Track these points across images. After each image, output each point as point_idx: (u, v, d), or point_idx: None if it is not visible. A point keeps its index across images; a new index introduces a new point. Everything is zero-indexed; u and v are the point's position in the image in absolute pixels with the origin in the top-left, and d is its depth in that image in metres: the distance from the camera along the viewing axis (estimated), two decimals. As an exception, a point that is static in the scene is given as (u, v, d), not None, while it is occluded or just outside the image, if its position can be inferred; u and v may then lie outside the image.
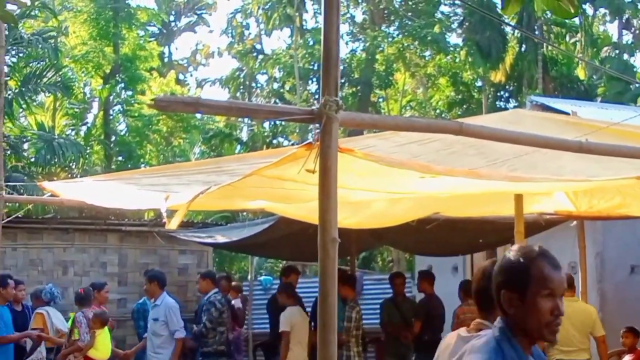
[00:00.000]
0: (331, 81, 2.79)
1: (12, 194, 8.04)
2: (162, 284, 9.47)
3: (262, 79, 36.56)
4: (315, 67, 32.37)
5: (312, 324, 9.48)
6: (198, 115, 27.22)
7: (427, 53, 30.48)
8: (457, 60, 29.66)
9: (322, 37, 2.86)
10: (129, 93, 27.47)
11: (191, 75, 41.88)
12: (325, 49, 2.83)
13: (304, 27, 32.80)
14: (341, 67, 24.34)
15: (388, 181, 4.61)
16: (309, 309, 10.21)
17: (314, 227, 6.87)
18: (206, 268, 13.90)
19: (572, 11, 3.15)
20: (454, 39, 31.39)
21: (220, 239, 11.62)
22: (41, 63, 20.72)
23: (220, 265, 20.44)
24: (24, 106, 20.70)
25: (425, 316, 9.83)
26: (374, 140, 5.55)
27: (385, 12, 32.65)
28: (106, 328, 9.08)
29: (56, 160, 19.71)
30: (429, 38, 27.83)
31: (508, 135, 3.68)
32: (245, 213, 19.42)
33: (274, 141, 29.99)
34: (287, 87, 33.44)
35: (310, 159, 3.02)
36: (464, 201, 6.51)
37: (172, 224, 4.26)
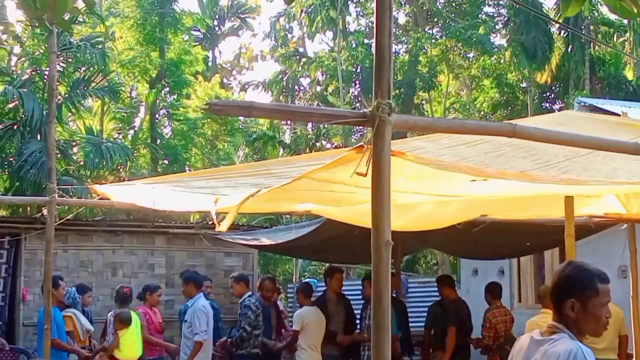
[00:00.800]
0: (384, 84, 2.80)
1: (63, 197, 8.19)
2: (198, 285, 9.53)
3: (304, 81, 36.76)
4: (358, 70, 32.43)
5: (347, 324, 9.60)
6: (241, 118, 27.43)
7: (471, 54, 30.30)
8: (502, 61, 29.39)
9: (374, 40, 2.88)
10: (175, 97, 27.78)
11: (234, 79, 42.21)
12: (377, 52, 2.85)
13: (347, 30, 32.83)
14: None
15: (437, 184, 4.60)
16: (357, 310, 10.27)
17: (359, 229, 6.93)
18: (251, 270, 14.02)
19: (635, 11, 3.12)
20: (498, 40, 31.18)
21: (266, 241, 11.69)
22: (89, 68, 21.11)
23: (264, 267, 20.55)
24: (73, 111, 21.10)
25: (457, 321, 9.83)
26: (421, 142, 5.54)
27: (429, 13, 32.56)
28: (132, 328, 9.13)
29: (104, 163, 20.04)
30: (473, 39, 27.66)
31: (563, 138, 3.65)
32: (288, 216, 19.50)
33: (317, 144, 30.04)
34: (330, 89, 33.52)
35: (361, 162, 3.04)
36: (511, 203, 6.44)
37: (223, 226, 4.29)
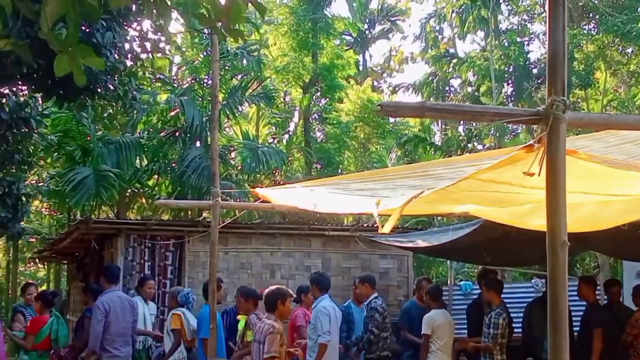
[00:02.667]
0: (558, 81, 2.72)
1: (226, 200, 8.46)
2: (321, 286, 9.54)
3: (455, 83, 36.32)
4: (511, 69, 31.66)
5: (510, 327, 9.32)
6: (392, 120, 27.44)
7: (630, 49, 28.84)
8: (664, 55, 27.83)
9: (547, 37, 2.79)
10: (327, 101, 28.19)
11: (384, 82, 42.30)
12: (551, 48, 2.76)
13: (499, 29, 32.15)
14: (537, 68, 23.53)
15: (608, 184, 4.41)
16: (513, 315, 9.99)
17: (517, 231, 6.73)
18: (406, 273, 13.96)
19: None
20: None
21: (421, 243, 11.58)
22: (246, 75, 21.81)
23: (418, 269, 20.45)
24: (230, 117, 21.87)
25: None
26: (585, 140, 5.34)
27: (584, 9, 31.30)
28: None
29: (261, 167, 20.62)
30: (632, 34, 26.32)
31: None
32: (441, 217, 19.28)
33: (468, 145, 29.59)
34: (481, 90, 32.94)
35: (531, 161, 2.96)
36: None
37: (386, 228, 4.28)
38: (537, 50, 32.32)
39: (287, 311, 7.72)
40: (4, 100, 11.25)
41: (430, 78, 35.63)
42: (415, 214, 13.40)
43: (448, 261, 15.23)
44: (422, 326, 9.42)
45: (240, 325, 9.34)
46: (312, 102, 27.31)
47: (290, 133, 28.74)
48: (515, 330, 9.92)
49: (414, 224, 18.29)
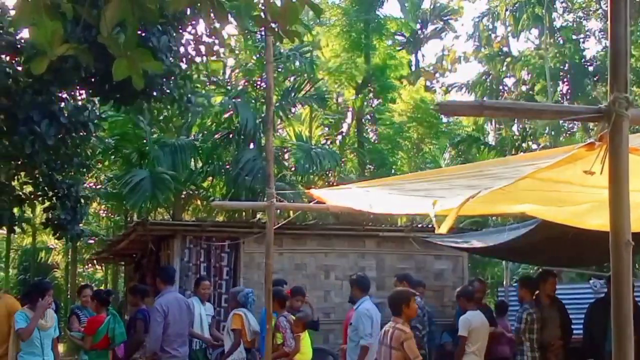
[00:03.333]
0: (620, 78, 2.65)
1: (281, 201, 8.49)
2: (362, 288, 9.51)
3: (509, 82, 35.89)
4: (566, 67, 31.17)
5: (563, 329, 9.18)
6: (445, 120, 27.24)
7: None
8: None
9: (608, 33, 2.73)
10: (380, 101, 28.11)
11: (437, 82, 42.03)
12: (613, 44, 2.70)
13: (553, 26, 31.68)
14: (594, 65, 23.06)
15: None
16: (572, 316, 9.83)
17: (575, 231, 6.61)
18: (461, 273, 13.86)
19: None
20: None
21: (477, 244, 11.45)
22: (298, 77, 21.89)
23: (473, 270, 20.25)
24: (283, 118, 21.97)
25: None
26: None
27: (642, 4, 30.66)
28: (306, 332, 9.23)
29: (314, 168, 20.66)
30: (696, 27, 25.70)
31: None
32: (496, 218, 19.06)
33: (523, 145, 29.19)
34: (536, 88, 32.48)
35: (592, 159, 2.90)
36: None
37: (443, 229, 4.25)
38: (592, 48, 31.76)
39: (413, 312, 7.69)
40: (62, 105, 11.49)
41: (483, 77, 35.30)
42: (471, 214, 13.28)
43: (504, 262, 15.05)
44: (459, 328, 9.32)
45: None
46: (365, 103, 27.25)
47: (343, 134, 28.73)
48: (575, 331, 9.77)
49: (469, 225, 18.10)
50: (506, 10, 32.19)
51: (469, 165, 7.37)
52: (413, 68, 36.22)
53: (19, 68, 10.80)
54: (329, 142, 27.64)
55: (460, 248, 12.18)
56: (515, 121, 29.46)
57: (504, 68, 34.02)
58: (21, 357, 8.37)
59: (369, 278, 13.05)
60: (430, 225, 13.62)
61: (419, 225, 14.06)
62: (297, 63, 21.57)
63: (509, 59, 33.82)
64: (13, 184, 13.08)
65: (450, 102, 2.63)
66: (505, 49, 35.33)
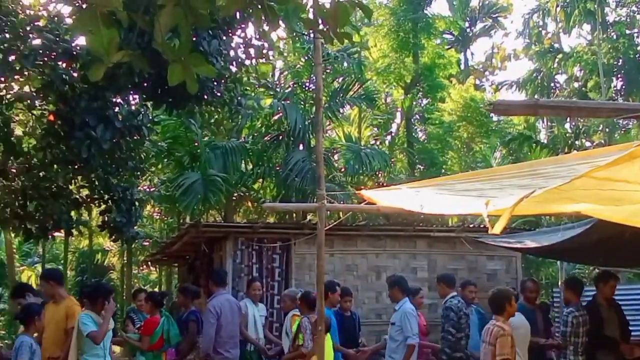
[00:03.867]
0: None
1: (332, 203, 8.50)
2: (402, 288, 9.50)
3: (560, 78, 35.41)
4: (620, 62, 30.61)
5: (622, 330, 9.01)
6: (495, 119, 26.97)
7: None
8: None
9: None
10: (429, 101, 27.98)
11: (487, 80, 41.65)
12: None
13: (606, 21, 31.15)
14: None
15: None
16: (629, 317, 9.66)
17: (632, 231, 6.48)
18: (514, 274, 13.70)
19: None
20: None
21: (530, 244, 11.30)
22: (347, 78, 21.89)
23: (527, 270, 20.01)
24: (332, 119, 22.00)
25: None
26: None
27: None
28: (328, 334, 9.16)
29: (364, 169, 20.64)
30: None
31: None
32: (549, 217, 18.81)
33: (576, 142, 28.76)
34: (589, 85, 31.97)
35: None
36: None
37: (496, 229, 4.22)
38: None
39: (514, 311, 7.73)
40: (117, 109, 11.69)
41: (534, 75, 34.89)
42: (524, 214, 13.14)
43: (558, 262, 14.84)
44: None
45: (294, 328, 9.39)
46: (414, 103, 27.15)
47: (393, 134, 28.67)
48: (633, 333, 9.60)
49: (521, 224, 17.90)
50: (557, 6, 31.79)
51: (521, 164, 7.29)
52: (462, 67, 35.97)
53: (75, 74, 11.04)
54: (378, 143, 27.61)
55: (513, 248, 12.04)
56: (568, 119, 29.04)
57: (555, 65, 33.57)
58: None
59: (421, 279, 13.10)
60: (482, 225, 13.49)
61: (471, 225, 13.94)
62: (346, 64, 21.60)
63: (560, 56, 33.36)
64: (70, 187, 13.37)
65: (503, 101, 2.60)
66: (556, 45, 34.87)
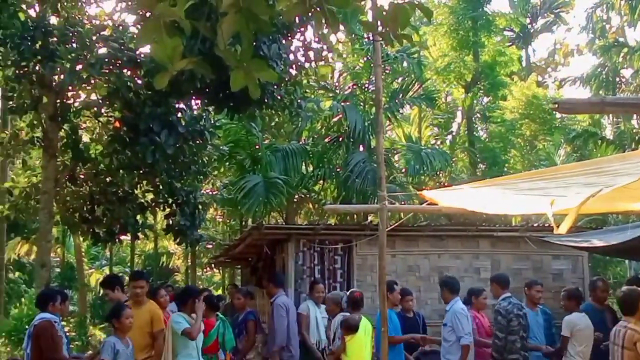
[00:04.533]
0: None
1: (393, 204, 8.51)
2: (452, 289, 9.41)
3: (626, 73, 34.58)
4: (690, 55, 29.76)
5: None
6: (559, 116, 26.52)
7: None
8: None
9: None
10: (490, 99, 27.68)
11: (549, 76, 40.99)
12: None
13: (674, 13, 30.33)
14: None
15: None
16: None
17: None
18: (581, 274, 13.42)
19: None
20: None
21: (597, 242, 11.09)
22: (406, 78, 21.84)
23: (594, 270, 19.64)
24: (391, 120, 21.96)
25: None
26: None
27: None
28: (359, 335, 9.06)
29: (424, 169, 20.54)
30: None
31: None
32: (616, 215, 18.42)
33: (645, 137, 28.06)
34: (658, 79, 31.18)
35: None
36: None
37: (562, 229, 4.17)
38: None
39: None
40: (180, 115, 11.90)
41: (598, 70, 34.14)
42: (590, 213, 12.91)
43: (626, 261, 14.53)
44: (562, 328, 9.02)
45: (333, 327, 9.43)
46: (475, 101, 26.90)
47: (453, 133, 28.46)
48: None
49: (587, 223, 17.58)
50: (621, -1, 31.07)
51: (587, 162, 7.15)
52: (524, 64, 35.47)
53: (139, 81, 11.28)
54: (438, 142, 27.45)
55: (579, 247, 11.81)
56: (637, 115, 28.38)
57: (621, 59, 32.78)
58: None
59: (484, 279, 12.96)
60: (546, 224, 13.29)
61: (535, 225, 13.73)
62: (405, 64, 21.55)
63: (625, 50, 32.57)
64: (136, 192, 13.67)
65: (569, 99, 2.57)
66: (621, 39, 34.07)
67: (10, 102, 12.60)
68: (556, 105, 2.48)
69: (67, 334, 9.78)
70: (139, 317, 8.29)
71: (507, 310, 9.14)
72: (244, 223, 24.36)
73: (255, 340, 10.35)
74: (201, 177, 14.04)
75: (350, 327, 8.97)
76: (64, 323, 9.51)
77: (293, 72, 12.18)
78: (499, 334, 9.07)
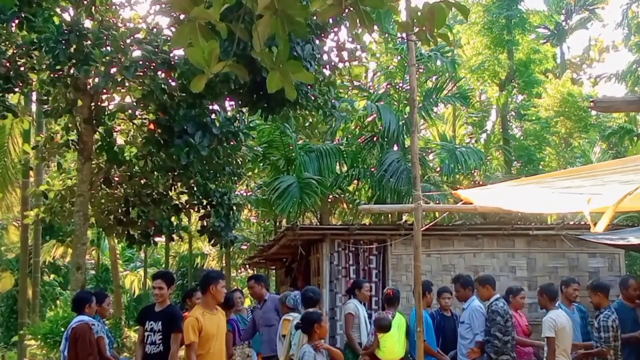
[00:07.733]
0: None
1: (428, 203, 8.47)
2: (469, 287, 9.46)
3: (666, 69, 34.08)
4: None
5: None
6: (594, 113, 26.20)
7: None
8: None
9: None
10: (525, 97, 27.46)
11: (584, 73, 40.54)
12: None
13: None
14: None
15: None
16: None
17: None
18: (618, 272, 13.28)
19: None
20: None
21: (634, 240, 10.98)
22: (440, 77, 21.75)
23: (630, 268, 19.38)
24: (426, 119, 21.88)
25: None
26: None
27: None
28: (392, 333, 9.19)
29: (459, 168, 20.43)
30: None
31: None
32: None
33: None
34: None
35: None
36: None
37: (599, 227, 4.14)
38: None
39: None
40: (214, 116, 11.97)
41: (634, 66, 33.66)
42: (627, 211, 12.75)
43: (664, 259, 14.35)
44: (543, 328, 8.83)
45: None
46: (509, 99, 26.70)
47: (488, 132, 28.27)
48: None
49: (623, 220, 17.36)
50: (658, -6, 30.65)
51: (624, 159, 7.06)
52: (558, 61, 35.12)
53: (174, 84, 11.37)
54: (473, 141, 27.29)
55: (616, 245, 11.70)
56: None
57: (657, 55, 32.32)
58: None
59: (520, 278, 12.90)
60: (582, 222, 13.18)
61: (571, 223, 13.61)
62: (439, 63, 21.47)
63: (663, 45, 32.12)
64: (170, 194, 13.77)
65: (605, 98, 2.56)
66: (658, 35, 33.60)
67: (45, 106, 12.76)
68: (592, 104, 2.47)
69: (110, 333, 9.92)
70: (220, 322, 8.06)
71: (505, 311, 9.12)
72: (278, 224, 24.44)
73: (233, 353, 10.36)
74: (235, 178, 14.10)
75: (382, 327, 9.20)
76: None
77: (327, 72, 12.20)
78: (499, 335, 8.98)
